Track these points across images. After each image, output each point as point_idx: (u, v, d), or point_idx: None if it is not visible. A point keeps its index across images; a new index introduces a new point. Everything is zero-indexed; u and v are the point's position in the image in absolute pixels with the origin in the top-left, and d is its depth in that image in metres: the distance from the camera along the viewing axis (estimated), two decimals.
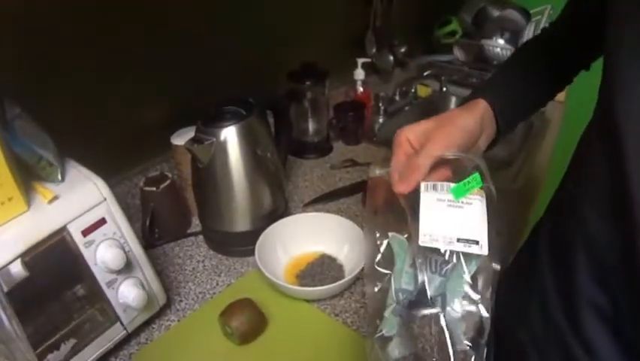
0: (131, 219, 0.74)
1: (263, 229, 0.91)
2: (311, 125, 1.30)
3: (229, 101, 0.92)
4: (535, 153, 1.39)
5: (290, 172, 1.23)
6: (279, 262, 0.91)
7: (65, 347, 0.69)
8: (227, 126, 0.87)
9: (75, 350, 0.70)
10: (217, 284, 0.91)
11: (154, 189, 0.96)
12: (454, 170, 0.57)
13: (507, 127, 0.65)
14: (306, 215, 1.00)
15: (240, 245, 0.95)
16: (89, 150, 0.80)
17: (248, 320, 0.77)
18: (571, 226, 0.56)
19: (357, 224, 0.93)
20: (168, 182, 0.98)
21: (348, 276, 0.84)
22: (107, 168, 0.75)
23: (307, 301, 0.86)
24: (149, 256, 0.78)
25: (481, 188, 0.56)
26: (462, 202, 0.57)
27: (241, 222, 0.94)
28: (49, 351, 0.67)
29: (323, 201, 1.11)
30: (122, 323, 0.75)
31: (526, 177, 1.24)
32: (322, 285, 0.85)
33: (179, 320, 0.83)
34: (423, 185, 0.55)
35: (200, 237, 1.02)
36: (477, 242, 0.55)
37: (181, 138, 0.99)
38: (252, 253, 0.88)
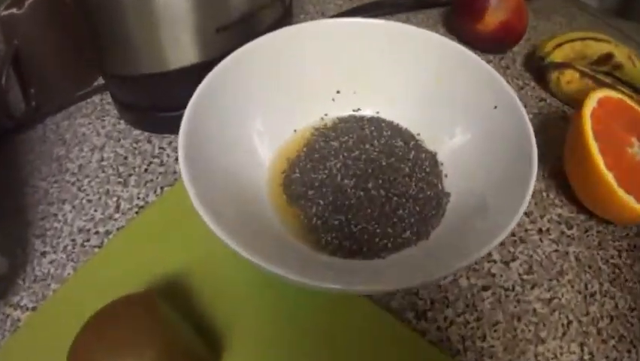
0: None
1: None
2: None
3: None
4: None
5: None
6: (259, 161, 0.33)
7: None
8: None
9: None
10: (118, 207, 0.35)
11: (14, 10, 0.39)
12: None
13: None
14: (331, 22, 0.38)
15: (176, 103, 0.36)
16: None
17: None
18: None
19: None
20: None
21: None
22: None
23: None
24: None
25: None
26: None
27: (179, 50, 0.34)
28: None
29: (368, 13, 0.52)
30: None
31: None
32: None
33: (33, 308, 0.30)
34: None
35: (108, 97, 0.45)
36: None
37: None
38: None
